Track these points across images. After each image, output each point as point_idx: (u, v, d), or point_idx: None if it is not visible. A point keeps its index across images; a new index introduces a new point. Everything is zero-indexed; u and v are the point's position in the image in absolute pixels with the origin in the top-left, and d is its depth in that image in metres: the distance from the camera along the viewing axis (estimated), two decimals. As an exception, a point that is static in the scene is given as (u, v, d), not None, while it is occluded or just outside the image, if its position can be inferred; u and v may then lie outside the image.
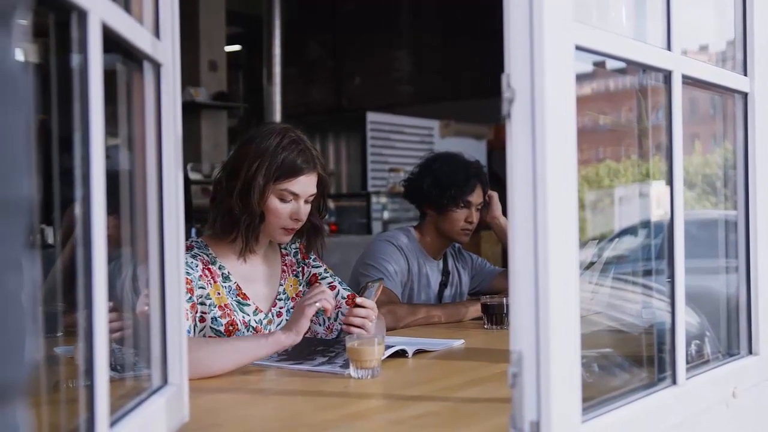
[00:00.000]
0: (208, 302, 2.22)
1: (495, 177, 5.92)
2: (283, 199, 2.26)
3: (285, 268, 2.46)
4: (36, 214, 0.61)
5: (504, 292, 3.00)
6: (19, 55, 0.59)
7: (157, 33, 1.40)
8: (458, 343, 2.44)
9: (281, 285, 2.42)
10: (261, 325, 2.33)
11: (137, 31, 1.27)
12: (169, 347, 1.43)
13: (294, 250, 2.50)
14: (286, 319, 2.36)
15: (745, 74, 1.88)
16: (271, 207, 2.26)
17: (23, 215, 0.57)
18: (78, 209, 1.05)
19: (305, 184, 2.28)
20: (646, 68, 1.62)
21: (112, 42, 1.15)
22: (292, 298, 2.43)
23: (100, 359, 1.05)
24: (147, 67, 1.38)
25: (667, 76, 1.58)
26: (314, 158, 2.29)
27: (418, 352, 2.27)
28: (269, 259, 2.43)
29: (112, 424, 1.12)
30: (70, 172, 1.06)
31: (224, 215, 2.27)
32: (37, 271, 0.61)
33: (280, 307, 2.40)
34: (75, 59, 1.05)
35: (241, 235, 2.27)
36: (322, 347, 2.21)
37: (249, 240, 2.29)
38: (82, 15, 1.03)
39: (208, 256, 2.29)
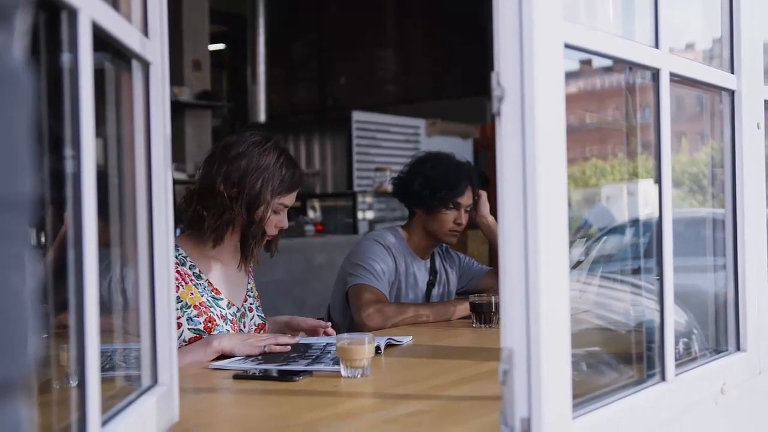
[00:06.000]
0: (179, 305, 2.27)
1: (481, 176, 5.93)
2: (275, 212, 2.40)
3: (250, 269, 2.58)
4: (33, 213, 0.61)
5: (492, 290, 3.01)
6: (21, 54, 0.59)
7: (145, 31, 1.40)
8: (407, 340, 2.46)
9: (249, 283, 2.56)
10: (236, 317, 2.43)
11: (126, 29, 1.26)
12: (158, 347, 1.43)
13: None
14: (258, 315, 2.53)
15: (732, 72, 1.89)
16: (268, 220, 2.39)
17: (25, 212, 0.57)
18: (68, 210, 1.04)
19: (294, 197, 2.46)
20: (634, 66, 1.63)
21: (101, 40, 1.14)
22: (257, 296, 2.58)
23: (92, 360, 1.05)
24: (135, 66, 1.38)
25: (655, 74, 1.58)
26: (303, 173, 2.48)
27: (389, 345, 2.32)
28: (237, 260, 2.51)
29: (104, 423, 1.12)
30: (58, 171, 1.05)
31: (226, 225, 2.36)
32: (38, 269, 0.61)
33: (250, 303, 2.53)
34: (64, 58, 1.05)
35: (248, 246, 2.39)
36: (298, 353, 2.20)
37: (255, 251, 2.42)
38: (73, 13, 1.02)
39: (177, 257, 2.33)
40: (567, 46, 1.29)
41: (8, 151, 0.54)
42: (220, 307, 2.38)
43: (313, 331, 2.52)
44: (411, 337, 2.49)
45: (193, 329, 2.29)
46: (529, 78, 1.20)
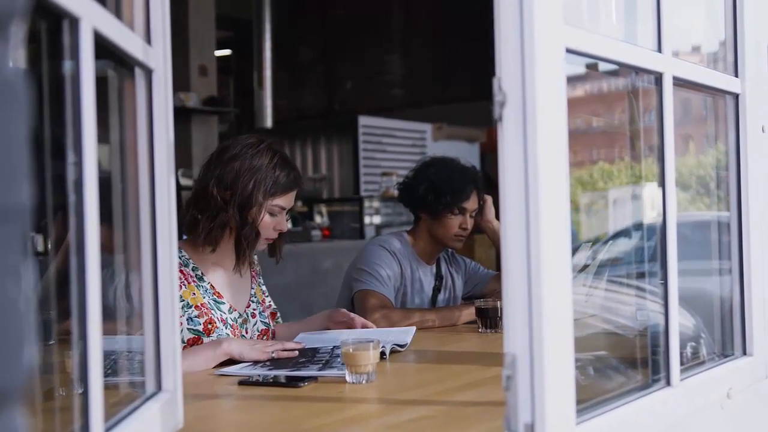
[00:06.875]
0: (181, 304, 2.28)
1: (488, 180, 5.93)
2: (272, 213, 2.40)
3: (253, 274, 2.59)
4: (31, 221, 0.61)
5: (497, 295, 3.00)
6: (17, 63, 0.59)
7: (148, 39, 1.40)
8: (412, 331, 2.51)
9: (252, 289, 2.55)
10: (237, 323, 2.43)
11: (128, 37, 1.27)
12: (162, 354, 1.43)
13: (256, 260, 2.65)
14: (261, 321, 2.52)
15: (736, 75, 1.88)
16: (262, 221, 2.39)
17: (22, 222, 0.57)
18: (70, 216, 1.05)
19: (292, 199, 2.45)
20: (636, 70, 1.63)
21: (103, 48, 1.14)
22: (261, 302, 2.57)
23: (94, 367, 1.05)
24: (138, 73, 1.38)
25: (658, 78, 1.58)
26: (300, 175, 2.47)
27: (393, 352, 2.31)
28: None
29: (107, 430, 1.12)
30: (62, 178, 1.06)
31: (220, 227, 2.36)
32: (35, 278, 0.61)
33: (253, 309, 2.53)
34: (66, 65, 1.05)
35: (241, 248, 2.39)
36: (307, 358, 2.20)
37: (247, 253, 2.42)
38: (74, 22, 1.02)
39: (180, 258, 2.34)
40: (568, 50, 1.29)
41: (5, 160, 0.55)
42: (221, 310, 2.38)
43: (347, 324, 2.55)
44: (414, 328, 2.53)
45: (193, 329, 2.30)
46: (530, 83, 1.20)
